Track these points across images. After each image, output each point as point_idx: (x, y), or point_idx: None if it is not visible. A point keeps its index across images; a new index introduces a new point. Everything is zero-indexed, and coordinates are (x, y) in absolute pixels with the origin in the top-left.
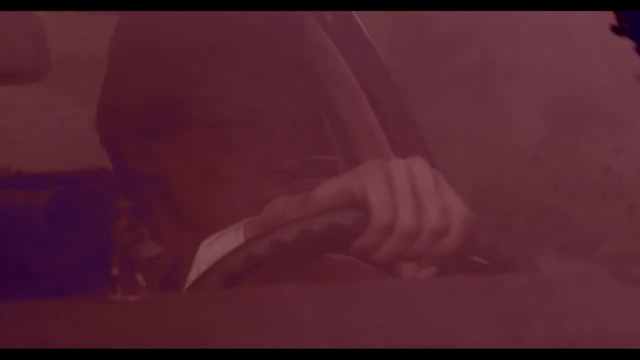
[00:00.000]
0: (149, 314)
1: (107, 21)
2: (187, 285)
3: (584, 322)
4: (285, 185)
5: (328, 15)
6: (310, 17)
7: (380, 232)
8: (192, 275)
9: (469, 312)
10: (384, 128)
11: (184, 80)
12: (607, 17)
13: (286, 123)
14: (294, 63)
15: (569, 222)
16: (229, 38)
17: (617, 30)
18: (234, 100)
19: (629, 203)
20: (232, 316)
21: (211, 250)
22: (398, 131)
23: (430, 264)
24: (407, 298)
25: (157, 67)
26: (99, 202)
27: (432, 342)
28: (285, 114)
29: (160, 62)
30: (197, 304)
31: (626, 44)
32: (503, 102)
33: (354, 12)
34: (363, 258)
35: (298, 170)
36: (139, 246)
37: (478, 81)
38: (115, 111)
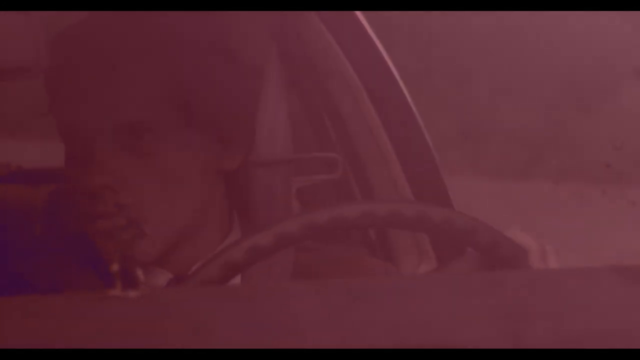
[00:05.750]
0: (148, 311)
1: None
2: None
3: (585, 320)
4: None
5: (330, 12)
6: (311, 15)
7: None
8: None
9: (470, 309)
10: (385, 125)
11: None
12: (608, 16)
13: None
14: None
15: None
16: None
17: None
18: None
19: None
20: (232, 313)
21: None
22: (399, 128)
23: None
24: (408, 296)
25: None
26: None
27: (433, 340)
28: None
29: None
30: (198, 300)
31: (626, 41)
32: (504, 98)
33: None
34: None
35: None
36: (139, 242)
37: (478, 78)
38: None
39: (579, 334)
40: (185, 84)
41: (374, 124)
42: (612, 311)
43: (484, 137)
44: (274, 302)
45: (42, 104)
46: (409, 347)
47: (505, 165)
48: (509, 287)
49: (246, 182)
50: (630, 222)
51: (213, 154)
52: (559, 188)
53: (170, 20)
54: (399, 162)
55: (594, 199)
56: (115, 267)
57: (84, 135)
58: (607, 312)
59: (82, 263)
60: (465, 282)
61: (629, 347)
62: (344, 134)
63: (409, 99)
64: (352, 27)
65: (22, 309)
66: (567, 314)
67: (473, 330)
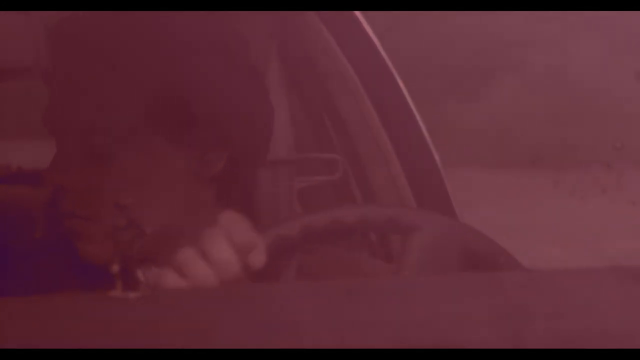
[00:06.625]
0: (148, 311)
1: None
2: None
3: (585, 320)
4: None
5: (330, 12)
6: (311, 15)
7: None
8: None
9: (470, 309)
10: (385, 125)
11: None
12: (608, 16)
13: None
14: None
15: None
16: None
17: None
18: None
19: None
20: (232, 313)
21: None
22: (399, 128)
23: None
24: (408, 296)
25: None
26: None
27: (433, 340)
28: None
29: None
30: (198, 300)
31: (626, 42)
32: (504, 99)
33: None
34: None
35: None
36: (139, 242)
37: (480, 79)
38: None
39: (579, 334)
40: (184, 84)
41: (374, 124)
42: (612, 311)
43: None
44: (274, 302)
45: (42, 104)
46: (409, 347)
47: None
48: (509, 287)
49: (248, 184)
50: (630, 222)
51: (189, 160)
52: (559, 187)
53: (168, 20)
54: (399, 162)
55: (594, 199)
56: (115, 268)
57: (60, 134)
58: (607, 312)
59: (82, 263)
60: (465, 282)
61: (629, 347)
62: (344, 134)
63: (409, 99)
64: (352, 27)
65: (22, 309)
66: (567, 314)
67: (473, 330)
